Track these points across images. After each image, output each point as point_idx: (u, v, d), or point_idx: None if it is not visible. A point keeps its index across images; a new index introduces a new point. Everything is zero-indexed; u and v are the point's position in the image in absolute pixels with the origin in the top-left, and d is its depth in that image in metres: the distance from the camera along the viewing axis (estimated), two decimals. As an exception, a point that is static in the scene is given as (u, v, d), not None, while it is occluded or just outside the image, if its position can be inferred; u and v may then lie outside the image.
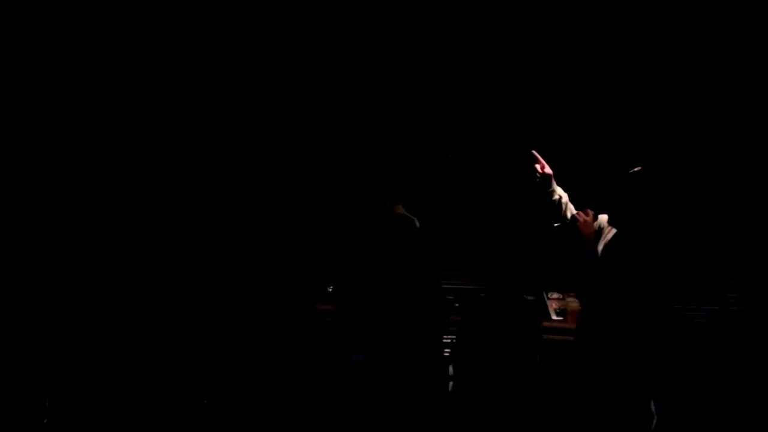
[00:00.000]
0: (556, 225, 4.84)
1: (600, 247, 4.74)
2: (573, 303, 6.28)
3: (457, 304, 5.89)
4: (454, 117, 6.76)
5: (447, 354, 5.80)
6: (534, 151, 4.74)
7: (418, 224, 4.94)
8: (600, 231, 4.79)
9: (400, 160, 5.05)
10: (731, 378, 5.82)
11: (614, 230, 4.76)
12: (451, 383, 5.77)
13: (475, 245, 6.34)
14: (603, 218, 4.83)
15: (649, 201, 4.64)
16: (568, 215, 4.84)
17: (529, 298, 5.45)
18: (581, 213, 4.83)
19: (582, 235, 4.79)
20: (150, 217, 6.49)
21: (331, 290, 6.25)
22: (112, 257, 6.23)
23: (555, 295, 6.55)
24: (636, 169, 4.65)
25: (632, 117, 6.64)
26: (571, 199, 4.87)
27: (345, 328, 5.13)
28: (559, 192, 4.82)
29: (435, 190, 6.28)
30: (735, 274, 6.30)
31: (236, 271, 6.44)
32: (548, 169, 4.77)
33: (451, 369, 5.82)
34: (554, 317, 6.40)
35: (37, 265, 5.89)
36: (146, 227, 6.46)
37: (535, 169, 4.75)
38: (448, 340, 5.78)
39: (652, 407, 4.66)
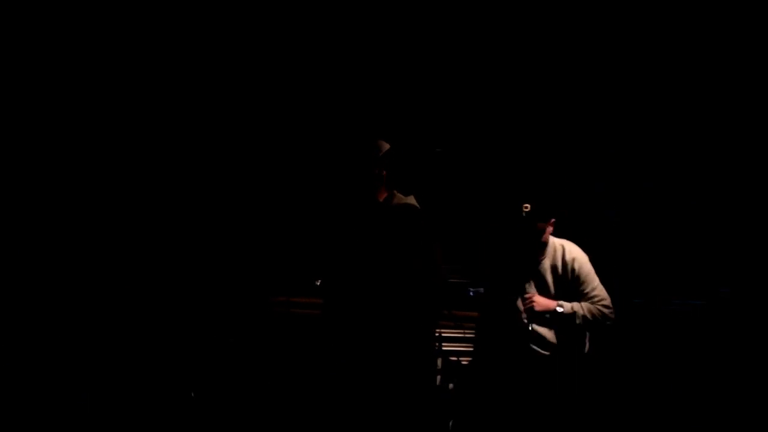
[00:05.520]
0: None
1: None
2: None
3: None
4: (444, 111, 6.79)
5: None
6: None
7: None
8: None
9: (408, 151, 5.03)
10: (717, 372, 5.89)
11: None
12: (438, 377, 5.76)
13: (467, 238, 6.33)
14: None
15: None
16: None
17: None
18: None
19: None
20: (126, 208, 6.43)
21: (318, 283, 6.17)
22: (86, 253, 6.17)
23: None
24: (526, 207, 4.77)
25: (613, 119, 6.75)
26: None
27: (334, 321, 5.05)
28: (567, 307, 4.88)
29: (426, 183, 6.27)
30: (722, 269, 6.40)
31: (217, 264, 6.39)
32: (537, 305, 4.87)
33: (439, 362, 5.82)
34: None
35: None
36: (121, 219, 6.40)
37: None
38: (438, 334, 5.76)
39: None
